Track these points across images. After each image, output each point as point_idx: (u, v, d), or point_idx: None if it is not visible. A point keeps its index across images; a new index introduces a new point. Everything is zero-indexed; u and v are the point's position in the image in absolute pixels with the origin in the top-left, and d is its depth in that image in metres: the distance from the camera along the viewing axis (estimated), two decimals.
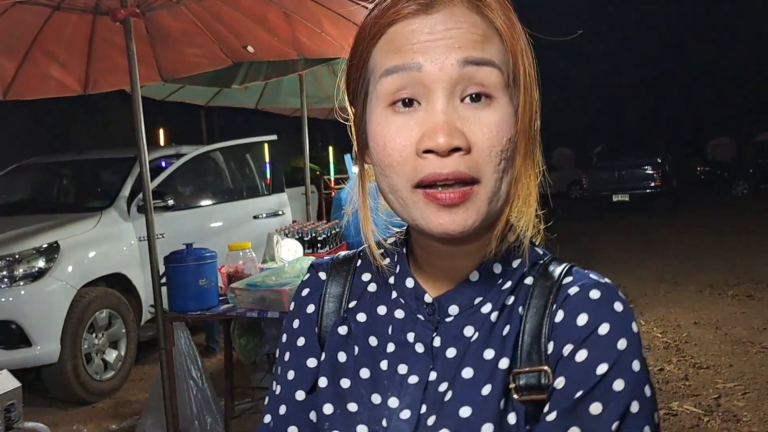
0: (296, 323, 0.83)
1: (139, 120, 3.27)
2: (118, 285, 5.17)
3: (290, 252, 3.83)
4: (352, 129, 0.77)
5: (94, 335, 4.92)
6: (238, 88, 5.33)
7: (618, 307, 0.69)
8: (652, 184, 16.20)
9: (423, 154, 0.66)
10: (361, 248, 0.84)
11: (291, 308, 0.85)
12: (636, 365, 0.67)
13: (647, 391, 0.67)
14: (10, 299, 4.49)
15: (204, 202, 6.09)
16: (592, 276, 0.73)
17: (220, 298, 3.42)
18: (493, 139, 0.67)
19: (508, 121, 0.68)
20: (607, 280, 0.73)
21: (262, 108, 6.84)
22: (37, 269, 4.62)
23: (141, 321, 5.36)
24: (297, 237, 4.17)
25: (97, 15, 3.43)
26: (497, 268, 0.75)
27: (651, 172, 16.21)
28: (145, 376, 5.28)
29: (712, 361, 4.85)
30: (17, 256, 4.57)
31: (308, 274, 0.86)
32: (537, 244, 0.79)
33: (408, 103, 0.68)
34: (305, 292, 0.85)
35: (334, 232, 4.31)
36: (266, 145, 6.65)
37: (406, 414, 0.72)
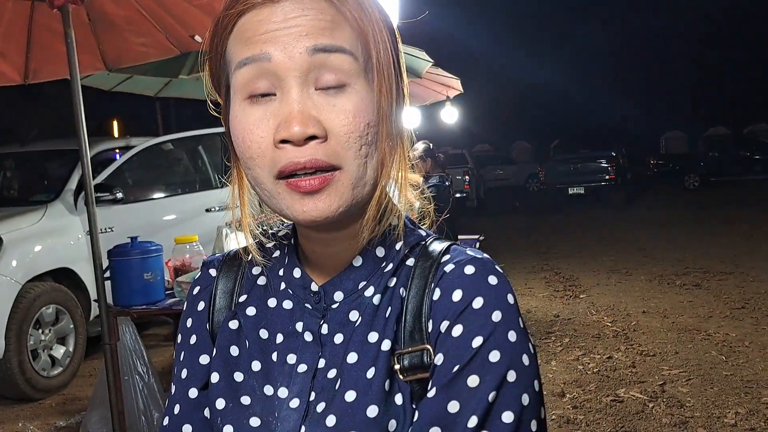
0: (189, 322, 0.83)
1: (79, 110, 3.18)
2: (66, 280, 5.06)
3: (240, 245, 3.78)
4: (223, 122, 0.76)
5: (40, 331, 4.80)
6: (186, 78, 5.23)
7: (492, 280, 0.70)
8: (607, 177, 16.55)
9: (280, 144, 0.66)
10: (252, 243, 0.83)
11: (184, 308, 0.85)
12: (512, 335, 0.68)
13: (525, 359, 0.68)
14: None
15: (155, 195, 5.98)
16: (469, 252, 0.74)
17: (167, 292, 3.37)
18: (349, 125, 0.66)
19: (365, 107, 0.67)
20: (484, 255, 0.74)
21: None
22: None
23: (90, 316, 5.24)
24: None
25: (35, 1, 3.33)
26: (380, 252, 0.76)
27: (605, 165, 16.57)
28: (95, 371, 5.17)
29: (659, 348, 4.96)
30: None
31: (200, 272, 0.86)
32: (425, 226, 0.81)
33: (264, 94, 0.67)
34: (196, 290, 0.84)
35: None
36: (219, 137, 6.56)
37: (295, 403, 0.73)
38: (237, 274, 0.83)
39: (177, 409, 0.80)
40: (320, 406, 0.71)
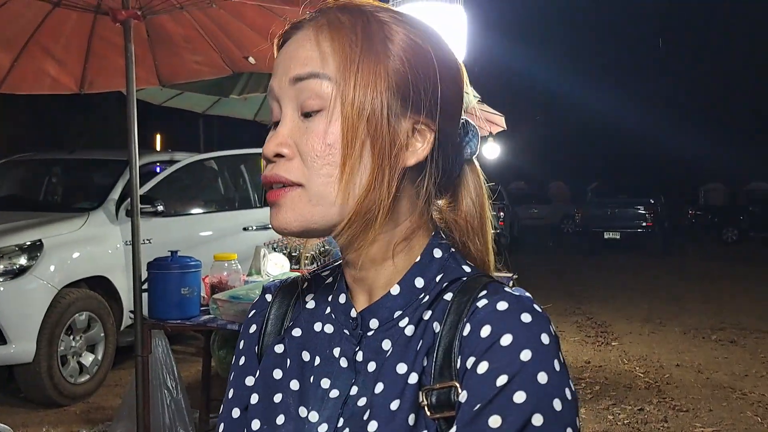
0: (242, 344, 0.86)
1: (132, 123, 3.24)
2: (100, 288, 5.10)
3: (277, 266, 3.79)
4: None
5: (71, 337, 4.85)
6: (237, 98, 5.32)
7: (525, 318, 0.68)
8: (644, 224, 16.28)
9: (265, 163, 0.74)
10: (312, 271, 0.86)
11: (241, 330, 0.88)
12: (542, 377, 0.65)
13: (556, 404, 0.65)
14: None
15: (194, 210, 6.05)
16: (507, 289, 0.72)
17: (202, 308, 3.37)
18: (311, 144, 0.71)
19: (335, 128, 0.70)
20: (524, 293, 0.72)
21: (260, 120, 6.83)
22: (18, 266, 4.57)
23: (121, 326, 5.28)
24: (284, 252, 4.13)
25: (98, 14, 3.41)
26: (419, 282, 0.75)
27: (643, 212, 16.31)
28: (121, 381, 5.20)
29: (692, 404, 4.82)
30: None
31: (258, 297, 0.89)
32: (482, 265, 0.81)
33: (275, 121, 0.76)
34: (251, 313, 0.87)
35: (322, 249, 4.28)
36: (261, 157, 6.62)
37: (323, 428, 0.73)
38: (290, 300, 0.85)
39: (221, 428, 0.82)
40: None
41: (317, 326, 0.80)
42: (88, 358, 4.98)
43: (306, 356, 0.79)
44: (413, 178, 0.75)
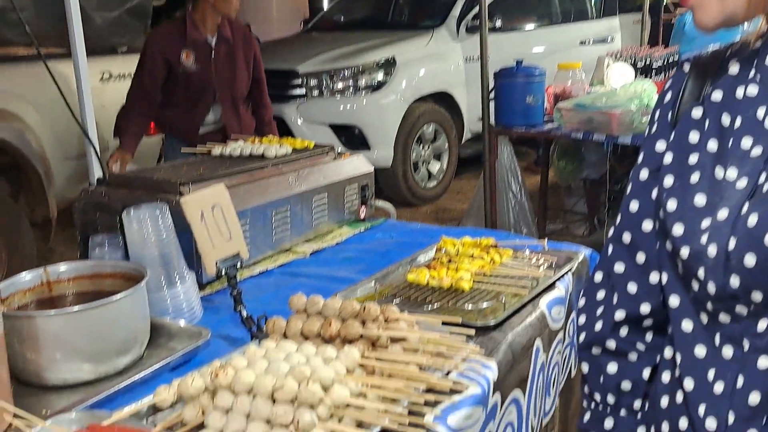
0: (656, 113, 0.89)
1: None
2: (444, 103, 5.47)
3: (621, 77, 3.67)
4: None
5: (421, 147, 5.36)
6: None
7: None
8: None
9: None
10: (738, 41, 0.83)
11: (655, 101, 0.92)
12: None
13: None
14: (354, 106, 5.04)
15: (529, 26, 5.99)
16: None
17: (545, 118, 3.47)
18: None
19: None
20: None
21: None
22: (376, 81, 5.08)
23: (462, 139, 5.67)
24: (629, 62, 3.96)
25: None
26: None
27: None
28: (462, 189, 5.67)
29: None
30: (360, 68, 5.05)
31: (676, 69, 0.90)
32: None
33: None
34: (668, 84, 0.89)
35: (672, 59, 4.01)
36: None
37: (742, 183, 0.75)
38: (711, 68, 0.84)
39: (629, 188, 0.89)
40: (767, 187, 0.72)
41: (740, 91, 0.79)
42: (435, 167, 5.50)
43: (725, 120, 0.79)
44: None
